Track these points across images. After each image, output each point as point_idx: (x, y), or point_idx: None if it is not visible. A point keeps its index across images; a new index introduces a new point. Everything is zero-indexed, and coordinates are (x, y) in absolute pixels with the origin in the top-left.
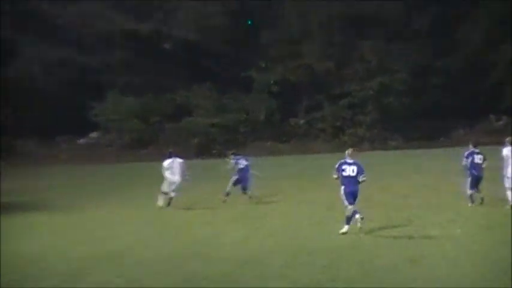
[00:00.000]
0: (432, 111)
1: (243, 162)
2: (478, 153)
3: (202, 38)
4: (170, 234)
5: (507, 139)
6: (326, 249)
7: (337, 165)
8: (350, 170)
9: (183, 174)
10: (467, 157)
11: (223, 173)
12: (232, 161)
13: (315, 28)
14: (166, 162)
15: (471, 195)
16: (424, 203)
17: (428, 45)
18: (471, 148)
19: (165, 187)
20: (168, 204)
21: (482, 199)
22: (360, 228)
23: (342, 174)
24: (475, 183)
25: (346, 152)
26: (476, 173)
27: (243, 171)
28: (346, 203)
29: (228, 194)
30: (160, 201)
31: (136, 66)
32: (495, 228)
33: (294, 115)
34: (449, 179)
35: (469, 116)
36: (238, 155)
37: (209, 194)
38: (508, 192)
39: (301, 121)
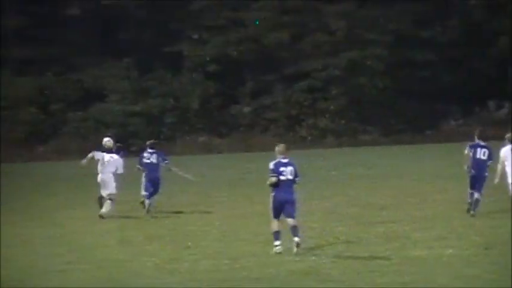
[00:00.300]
0: (416, 97)
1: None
2: (482, 147)
3: (118, 1)
4: (69, 257)
5: (507, 136)
6: (274, 276)
7: (272, 166)
8: (288, 172)
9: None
10: (471, 147)
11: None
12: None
13: None
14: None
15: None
16: (406, 215)
17: (412, 10)
18: (476, 140)
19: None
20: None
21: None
22: (296, 254)
23: (279, 178)
24: (474, 183)
25: (277, 148)
26: (474, 172)
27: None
28: (272, 215)
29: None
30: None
31: (34, 37)
32: (495, 247)
33: (236, 101)
34: (438, 184)
35: (463, 102)
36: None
37: (128, 203)
38: None
39: (246, 109)
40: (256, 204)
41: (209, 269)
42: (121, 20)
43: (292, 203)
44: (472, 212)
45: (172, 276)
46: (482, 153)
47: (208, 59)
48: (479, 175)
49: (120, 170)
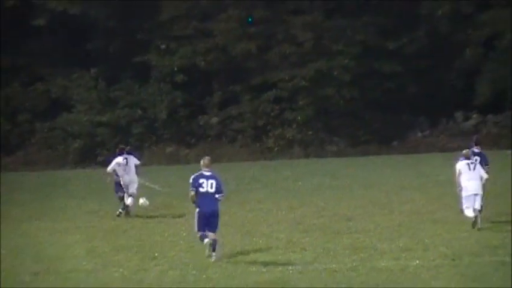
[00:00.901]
0: (382, 108)
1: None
2: (476, 155)
3: (86, 11)
4: (37, 268)
5: (463, 152)
6: (241, 287)
7: (191, 180)
8: (208, 185)
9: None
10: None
11: (114, 187)
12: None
13: None
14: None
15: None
16: (372, 226)
17: (379, 21)
18: (473, 148)
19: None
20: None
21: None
22: (209, 256)
23: (198, 191)
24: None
25: (202, 161)
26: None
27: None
28: (196, 228)
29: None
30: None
31: None
32: (462, 258)
33: (204, 112)
34: (405, 195)
35: (430, 113)
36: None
37: (95, 214)
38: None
39: (214, 119)
40: (222, 215)
41: (176, 280)
42: (89, 30)
43: (215, 216)
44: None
45: (140, 287)
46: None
47: (176, 69)
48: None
49: (137, 162)
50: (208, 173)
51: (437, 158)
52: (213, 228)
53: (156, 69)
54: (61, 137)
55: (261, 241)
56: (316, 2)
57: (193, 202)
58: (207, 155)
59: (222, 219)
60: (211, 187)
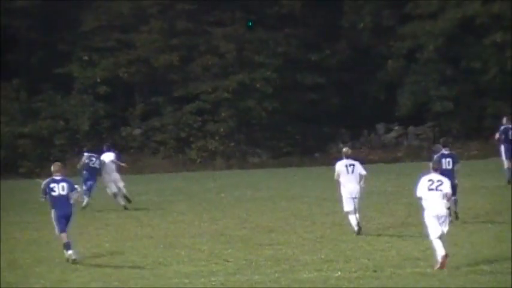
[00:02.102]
0: (305, 120)
1: (97, 162)
2: (447, 156)
3: (8, 22)
4: None
5: (344, 150)
6: None
7: (42, 185)
8: (60, 188)
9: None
10: (436, 160)
11: (35, 198)
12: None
13: (153, 11)
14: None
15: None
16: (294, 238)
17: (301, 34)
18: (441, 150)
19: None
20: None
21: (456, 214)
22: (71, 260)
23: (51, 195)
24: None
25: (52, 167)
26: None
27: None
28: (58, 231)
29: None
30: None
31: None
32: (384, 270)
33: (126, 123)
34: (327, 207)
35: (352, 125)
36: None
37: (16, 226)
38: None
39: (136, 131)
40: (145, 226)
41: None
42: (10, 41)
43: (68, 217)
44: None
45: None
46: (447, 163)
47: (98, 80)
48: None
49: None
50: (58, 177)
51: None
52: (65, 229)
53: (79, 80)
54: None
55: (183, 252)
56: (238, 14)
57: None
58: (55, 163)
59: (145, 231)
60: (63, 190)
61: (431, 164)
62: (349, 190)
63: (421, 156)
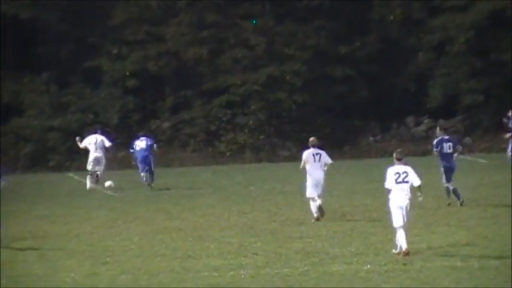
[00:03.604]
0: (334, 112)
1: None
2: (447, 141)
3: (38, 15)
4: None
5: (311, 139)
6: None
7: None
8: None
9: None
10: (436, 146)
11: (65, 191)
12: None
13: (182, 4)
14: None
15: (447, 189)
16: (324, 231)
17: (330, 26)
18: (440, 134)
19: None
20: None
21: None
22: None
23: None
24: (450, 175)
25: None
26: (448, 164)
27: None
28: None
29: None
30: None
31: None
32: (413, 263)
33: (156, 116)
34: (356, 200)
35: (381, 118)
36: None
37: (46, 219)
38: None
39: (165, 124)
40: (174, 219)
41: (127, 285)
42: (40, 34)
43: None
44: (460, 201)
45: None
46: (448, 147)
47: (127, 73)
48: (450, 167)
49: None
50: None
51: (388, 163)
52: None
53: (108, 74)
54: (12, 141)
55: (212, 246)
56: (267, 7)
57: None
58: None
59: (174, 224)
60: None
61: (394, 155)
62: (315, 177)
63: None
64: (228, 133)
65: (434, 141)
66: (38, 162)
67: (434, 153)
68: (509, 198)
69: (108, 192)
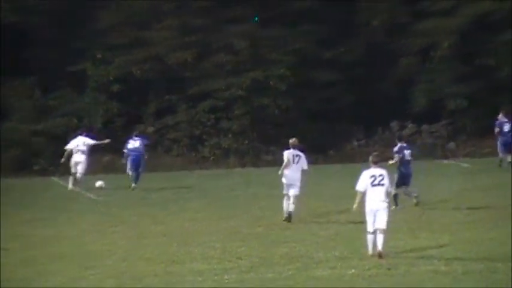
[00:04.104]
0: (318, 117)
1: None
2: (407, 149)
3: (23, 19)
4: None
5: (291, 141)
6: None
7: None
8: None
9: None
10: (398, 152)
11: (50, 196)
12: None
13: (168, 8)
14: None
15: (396, 196)
16: (309, 235)
17: (315, 31)
18: (399, 143)
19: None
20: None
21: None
22: None
23: None
24: (404, 181)
25: None
26: (405, 171)
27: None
28: None
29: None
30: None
31: None
32: (398, 267)
33: (140, 121)
34: (341, 204)
35: (366, 123)
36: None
37: (31, 223)
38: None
39: (150, 129)
40: (159, 224)
41: None
42: (26, 38)
43: None
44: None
45: None
46: (408, 154)
47: (111, 78)
48: (407, 173)
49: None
50: None
51: None
52: None
53: (92, 78)
54: None
55: (196, 250)
56: (252, 11)
57: None
58: None
59: (159, 228)
60: None
61: (370, 158)
62: (289, 178)
63: (435, 154)
64: (212, 138)
65: (395, 148)
66: (23, 166)
67: (395, 159)
68: (494, 202)
69: (93, 196)
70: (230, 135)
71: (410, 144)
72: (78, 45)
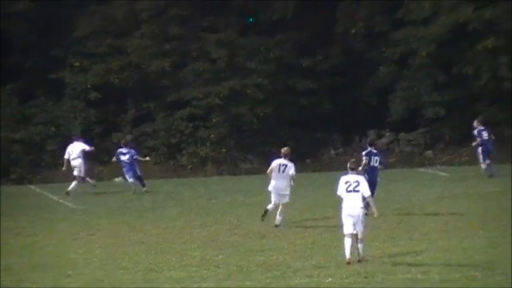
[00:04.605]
0: (296, 125)
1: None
2: (375, 154)
3: (2, 26)
4: None
5: (283, 150)
6: None
7: None
8: None
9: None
10: (365, 155)
11: (28, 204)
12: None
13: (146, 16)
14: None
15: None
16: (286, 244)
17: (293, 39)
18: (370, 148)
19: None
20: None
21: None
22: None
23: None
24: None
25: None
26: (368, 177)
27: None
28: None
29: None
30: None
31: None
32: (375, 275)
33: (118, 129)
34: (318, 213)
35: (343, 131)
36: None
37: (11, 231)
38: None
39: (128, 137)
40: (136, 232)
41: None
42: (4, 45)
43: None
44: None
45: None
46: (375, 161)
47: (89, 86)
48: (372, 180)
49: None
50: None
51: None
52: None
53: (70, 86)
54: None
55: (174, 258)
56: (230, 19)
57: None
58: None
59: (136, 237)
60: None
61: (348, 164)
62: (276, 186)
63: (412, 163)
64: (189, 146)
65: (364, 152)
66: (1, 174)
67: (363, 162)
68: (470, 210)
69: (71, 204)
70: (208, 144)
71: (388, 152)
72: (56, 53)
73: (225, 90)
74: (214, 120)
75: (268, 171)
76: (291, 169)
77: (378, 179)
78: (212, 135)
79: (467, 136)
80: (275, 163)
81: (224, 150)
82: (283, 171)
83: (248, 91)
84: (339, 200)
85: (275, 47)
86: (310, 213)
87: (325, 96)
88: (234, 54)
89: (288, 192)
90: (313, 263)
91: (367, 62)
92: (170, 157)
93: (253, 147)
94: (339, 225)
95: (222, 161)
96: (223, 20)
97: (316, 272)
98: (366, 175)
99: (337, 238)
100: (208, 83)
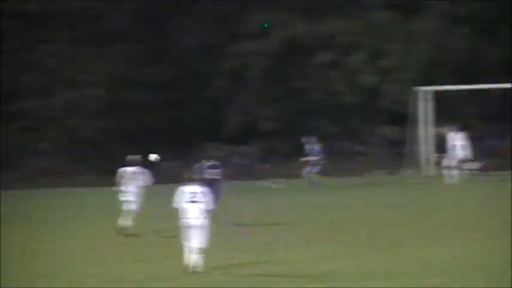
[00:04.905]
0: (132, 138)
1: None
2: (213, 167)
3: None
4: None
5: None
6: None
7: None
8: None
9: None
10: (201, 167)
11: None
12: None
13: None
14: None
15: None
16: (117, 257)
17: (129, 52)
18: (203, 161)
19: None
20: None
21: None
22: None
23: None
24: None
25: None
26: (206, 189)
27: None
28: None
29: None
30: None
31: None
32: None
33: None
34: (152, 224)
35: (180, 144)
36: None
37: None
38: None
39: None
40: None
41: None
42: None
43: None
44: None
45: None
46: (214, 174)
47: None
48: (211, 192)
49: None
50: None
51: None
52: None
53: None
54: None
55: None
56: (65, 32)
57: None
58: None
59: None
60: None
61: (185, 175)
62: (125, 193)
63: (249, 175)
64: (25, 159)
65: (199, 164)
66: None
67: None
68: (307, 220)
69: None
70: (43, 156)
71: (225, 165)
72: None
73: (60, 103)
74: (50, 132)
75: (115, 179)
76: (142, 176)
77: (217, 190)
78: (49, 148)
79: (301, 149)
80: (123, 170)
81: (59, 162)
82: (132, 178)
83: (84, 103)
84: (172, 212)
85: (111, 59)
86: (143, 224)
87: (162, 109)
88: (68, 65)
89: (134, 198)
90: (149, 275)
91: (203, 76)
92: (7, 170)
93: (89, 160)
94: (176, 236)
95: (59, 173)
96: (57, 32)
97: (156, 284)
98: (204, 186)
99: (171, 250)
100: (44, 94)
